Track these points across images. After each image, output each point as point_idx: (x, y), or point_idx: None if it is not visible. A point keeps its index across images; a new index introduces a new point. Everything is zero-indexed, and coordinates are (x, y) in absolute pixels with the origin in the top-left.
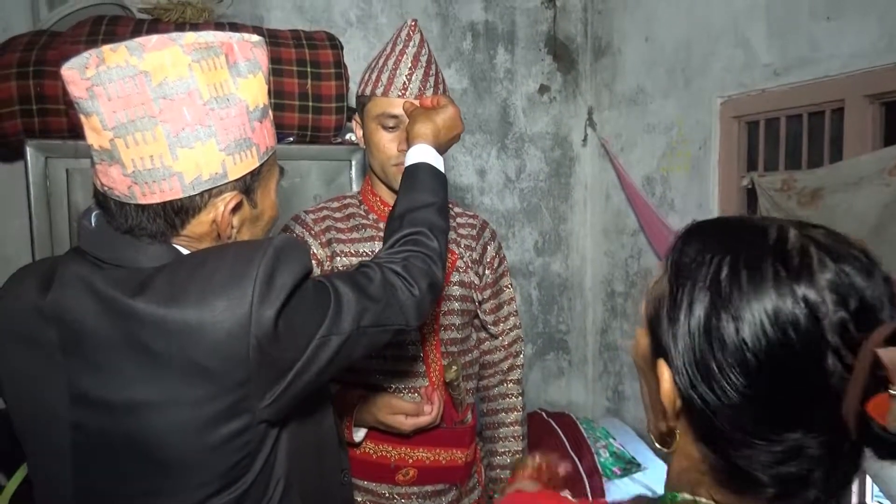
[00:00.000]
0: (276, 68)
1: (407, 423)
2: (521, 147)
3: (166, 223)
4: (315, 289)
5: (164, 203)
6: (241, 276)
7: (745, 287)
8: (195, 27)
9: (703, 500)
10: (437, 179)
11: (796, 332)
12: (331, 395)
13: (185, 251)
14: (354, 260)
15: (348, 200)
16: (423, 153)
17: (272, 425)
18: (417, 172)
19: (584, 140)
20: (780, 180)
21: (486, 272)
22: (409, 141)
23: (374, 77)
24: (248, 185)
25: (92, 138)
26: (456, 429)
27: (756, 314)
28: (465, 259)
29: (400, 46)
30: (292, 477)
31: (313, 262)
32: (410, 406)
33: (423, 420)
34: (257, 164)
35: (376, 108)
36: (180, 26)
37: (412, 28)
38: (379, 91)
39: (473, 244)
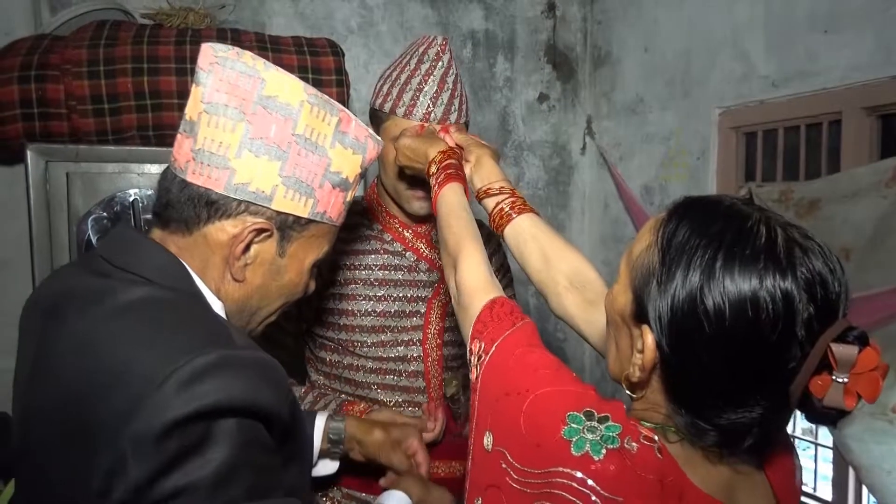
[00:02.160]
0: None
1: None
2: (520, 155)
3: (193, 210)
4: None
5: (203, 189)
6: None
7: (736, 276)
8: (197, 33)
9: (672, 430)
10: None
11: (774, 321)
12: None
13: (195, 277)
14: (358, 273)
15: (351, 208)
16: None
17: None
18: None
19: (583, 149)
20: (777, 191)
21: None
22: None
23: (394, 93)
24: (285, 227)
25: (189, 108)
26: (455, 441)
27: (743, 300)
28: None
29: (426, 66)
30: None
31: (306, 307)
32: (413, 423)
33: (426, 438)
34: (306, 215)
35: (395, 128)
36: (182, 32)
37: (442, 48)
38: (400, 111)
39: None
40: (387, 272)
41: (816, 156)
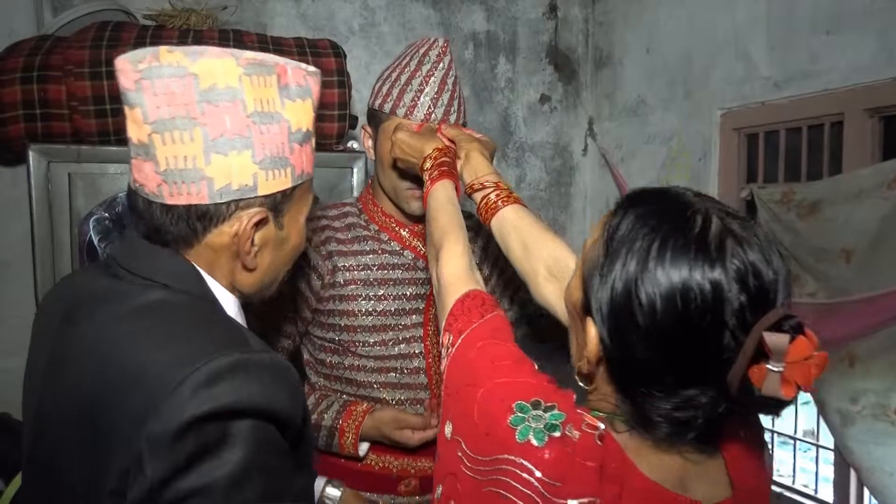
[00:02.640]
0: None
1: (414, 437)
2: (522, 156)
3: (188, 227)
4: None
5: (189, 206)
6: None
7: (667, 267)
8: (199, 34)
9: (620, 419)
10: None
11: (703, 311)
12: None
13: (208, 278)
14: (357, 274)
15: (348, 209)
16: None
17: None
18: None
19: (585, 150)
20: (779, 192)
21: (488, 270)
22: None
23: (395, 93)
24: (277, 204)
25: (132, 131)
26: None
27: (673, 291)
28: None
29: (427, 67)
30: None
31: (305, 308)
32: (417, 420)
33: (430, 434)
34: (290, 185)
35: (394, 128)
36: (184, 33)
37: (443, 50)
38: (400, 112)
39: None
40: (385, 271)
41: (818, 157)
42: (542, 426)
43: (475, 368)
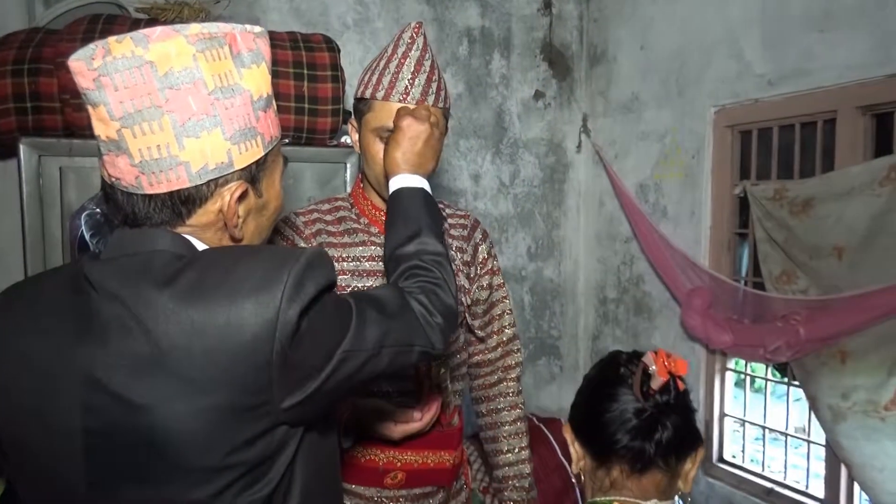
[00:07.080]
0: (273, 70)
1: (396, 429)
2: (516, 152)
3: (173, 212)
4: (336, 303)
5: (171, 192)
6: (272, 280)
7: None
8: None
9: (615, 498)
10: (415, 201)
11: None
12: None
13: (197, 243)
14: (346, 265)
15: (339, 203)
16: (397, 182)
17: (292, 427)
18: (394, 204)
19: (579, 147)
20: (772, 189)
21: (479, 271)
22: (385, 172)
23: (374, 80)
24: (253, 175)
25: (99, 129)
26: (444, 431)
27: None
28: (455, 262)
29: (402, 49)
30: (312, 486)
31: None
32: (399, 412)
33: (413, 427)
34: (262, 154)
35: (375, 120)
36: None
37: (416, 31)
38: (380, 95)
39: (465, 245)
40: (374, 263)
41: (811, 154)
42: None
43: None
